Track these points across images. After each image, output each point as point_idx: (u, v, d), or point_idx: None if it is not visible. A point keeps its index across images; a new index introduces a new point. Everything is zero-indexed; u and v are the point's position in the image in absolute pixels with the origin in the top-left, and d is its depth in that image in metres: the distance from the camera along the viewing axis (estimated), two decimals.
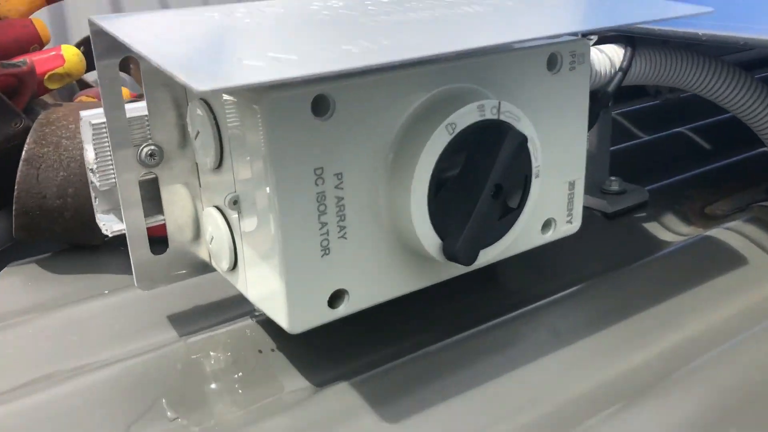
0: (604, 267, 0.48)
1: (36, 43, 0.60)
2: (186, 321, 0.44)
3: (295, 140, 0.32)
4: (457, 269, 0.39)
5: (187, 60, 0.28)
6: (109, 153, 0.38)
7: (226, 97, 0.33)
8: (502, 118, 0.35)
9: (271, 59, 0.28)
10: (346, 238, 0.34)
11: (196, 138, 0.37)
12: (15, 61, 0.53)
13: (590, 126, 0.52)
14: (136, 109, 0.38)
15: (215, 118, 0.35)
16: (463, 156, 0.35)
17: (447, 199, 0.35)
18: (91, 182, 0.39)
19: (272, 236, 0.33)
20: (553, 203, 0.42)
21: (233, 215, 0.36)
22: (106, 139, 0.38)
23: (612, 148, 0.61)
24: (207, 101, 0.36)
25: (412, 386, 0.36)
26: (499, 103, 0.35)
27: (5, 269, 0.52)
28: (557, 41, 0.39)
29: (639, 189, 0.58)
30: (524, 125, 0.36)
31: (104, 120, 0.37)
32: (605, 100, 0.50)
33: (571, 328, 0.41)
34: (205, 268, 0.42)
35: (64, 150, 0.50)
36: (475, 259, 0.35)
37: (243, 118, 0.32)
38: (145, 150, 0.38)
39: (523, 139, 0.35)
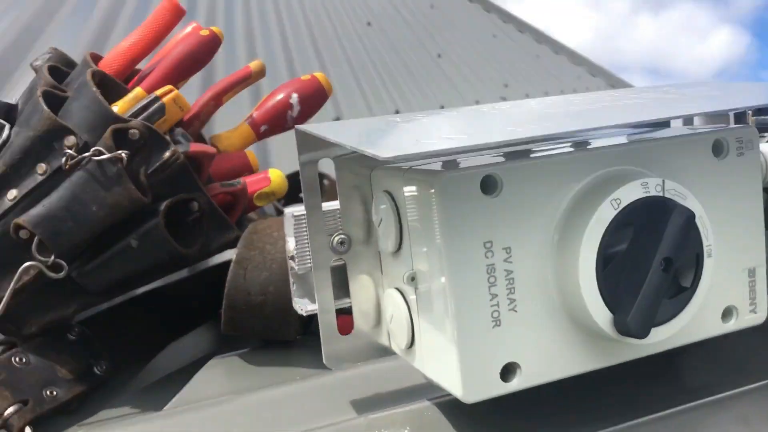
0: None
1: (248, 170, 0.70)
2: (368, 404, 0.46)
3: (465, 214, 0.35)
4: (632, 351, 0.39)
5: (372, 141, 0.33)
6: (306, 241, 0.43)
7: (405, 187, 0.38)
8: (667, 195, 0.36)
9: (444, 138, 0.32)
10: (516, 311, 0.36)
11: (379, 225, 0.42)
12: (231, 181, 0.62)
13: None
14: (330, 204, 0.44)
15: (396, 206, 0.40)
16: (630, 232, 0.36)
17: (616, 273, 0.36)
18: (291, 268, 0.45)
19: (446, 306, 0.36)
20: (733, 290, 0.41)
21: (411, 295, 0.40)
22: (305, 229, 0.43)
23: None
24: (390, 192, 0.40)
25: None
26: (663, 181, 0.36)
27: (210, 361, 0.58)
28: (723, 128, 0.40)
29: None
30: (691, 203, 0.37)
31: (304, 212, 0.43)
32: None
33: (764, 418, 0.38)
34: (385, 351, 0.45)
35: (268, 254, 0.57)
36: (648, 333, 0.35)
37: (420, 199, 0.36)
38: (337, 238, 0.43)
39: (690, 215, 0.36)
